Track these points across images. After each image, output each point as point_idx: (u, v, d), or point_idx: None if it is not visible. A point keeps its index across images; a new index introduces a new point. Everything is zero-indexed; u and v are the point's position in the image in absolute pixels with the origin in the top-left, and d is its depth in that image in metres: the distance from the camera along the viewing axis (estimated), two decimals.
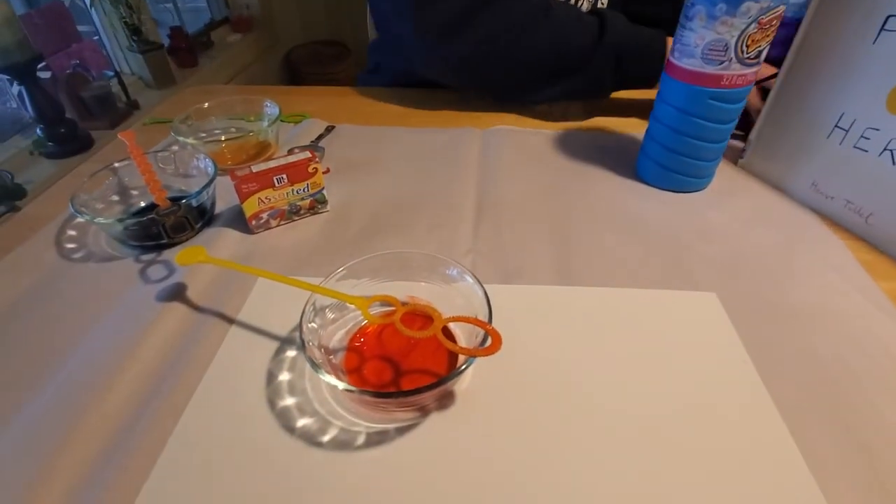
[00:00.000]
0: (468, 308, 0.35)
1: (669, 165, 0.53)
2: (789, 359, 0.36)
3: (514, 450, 0.31)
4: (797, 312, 0.40)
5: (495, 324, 0.31)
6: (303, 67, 2.28)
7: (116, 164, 0.51)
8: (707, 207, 0.52)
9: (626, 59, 0.62)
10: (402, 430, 0.32)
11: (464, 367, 0.30)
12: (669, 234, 0.48)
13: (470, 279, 0.35)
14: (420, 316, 0.35)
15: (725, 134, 0.51)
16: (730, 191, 0.54)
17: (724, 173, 0.57)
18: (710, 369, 0.35)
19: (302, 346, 0.31)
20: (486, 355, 0.30)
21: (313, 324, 0.34)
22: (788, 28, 0.50)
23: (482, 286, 0.34)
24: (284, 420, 0.33)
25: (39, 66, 1.05)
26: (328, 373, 0.30)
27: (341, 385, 0.30)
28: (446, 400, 0.33)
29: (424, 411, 0.33)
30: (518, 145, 0.64)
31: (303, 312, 0.33)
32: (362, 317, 0.34)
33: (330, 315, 0.36)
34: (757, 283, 0.42)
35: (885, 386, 0.34)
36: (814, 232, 0.48)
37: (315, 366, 0.30)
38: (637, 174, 0.57)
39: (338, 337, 0.37)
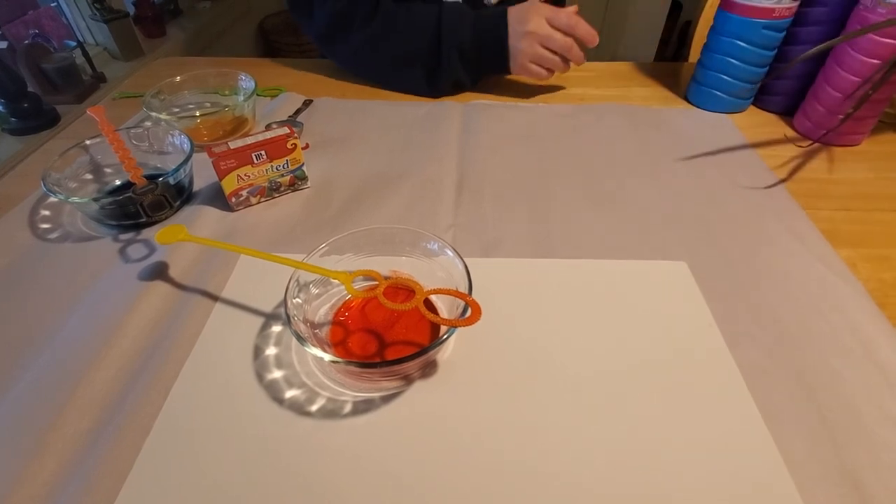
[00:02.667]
0: (449, 281, 0.36)
1: (722, 89, 0.63)
2: (753, 323, 0.38)
3: (494, 415, 0.33)
4: (762, 279, 0.42)
5: (475, 295, 0.33)
6: (277, 37, 2.20)
7: (88, 142, 0.49)
8: (681, 179, 0.53)
9: (471, 57, 0.65)
10: (387, 399, 0.33)
11: (445, 336, 0.31)
12: (644, 205, 0.50)
13: (450, 253, 0.36)
14: (402, 289, 0.35)
15: (769, 59, 0.60)
16: (704, 164, 0.56)
17: (703, 146, 0.58)
18: (678, 335, 0.37)
19: (287, 321, 0.32)
20: (467, 325, 0.31)
21: (298, 299, 0.34)
22: (829, 7, 0.55)
23: (462, 259, 0.35)
24: (273, 392, 0.34)
25: None
26: (314, 346, 0.31)
27: (327, 357, 0.31)
28: (429, 369, 0.35)
29: (408, 380, 0.34)
30: (498, 119, 0.64)
31: (287, 288, 0.34)
32: (346, 291, 0.35)
33: (314, 290, 0.37)
34: (725, 251, 0.44)
35: (838, 345, 0.36)
36: (779, 202, 0.50)
37: (301, 339, 0.31)
38: (689, 101, 0.68)
39: (322, 311, 0.38)
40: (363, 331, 0.37)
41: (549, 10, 0.62)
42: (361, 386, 0.34)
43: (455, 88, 0.69)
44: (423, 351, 0.31)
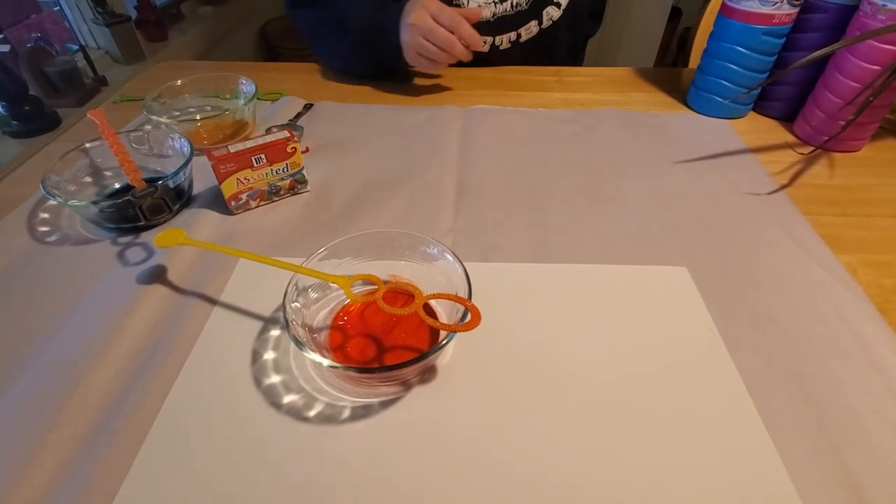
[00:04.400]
0: (449, 285, 0.36)
1: (722, 94, 0.62)
2: (753, 328, 0.38)
3: (493, 420, 0.32)
4: (762, 284, 0.42)
5: (475, 300, 0.32)
6: (278, 42, 2.21)
7: (87, 145, 0.49)
8: (681, 184, 0.53)
9: (369, 46, 0.67)
10: (385, 404, 0.33)
11: (444, 342, 0.31)
12: (644, 210, 0.50)
13: (450, 257, 0.36)
14: (402, 294, 0.35)
15: (769, 65, 0.60)
16: (704, 169, 0.56)
17: (703, 152, 0.58)
18: (679, 340, 0.37)
19: (286, 326, 0.32)
20: (466, 331, 0.31)
21: (296, 303, 0.34)
22: (828, 14, 0.55)
23: (462, 264, 0.35)
24: (271, 397, 0.33)
25: None
26: (312, 350, 0.31)
27: (326, 362, 0.30)
28: (428, 374, 0.35)
29: (407, 385, 0.34)
30: (499, 124, 0.64)
31: (286, 293, 0.33)
32: (345, 296, 0.35)
33: (313, 294, 0.37)
34: (726, 257, 0.44)
35: (838, 350, 0.36)
36: (780, 208, 0.50)
37: (299, 344, 0.31)
38: (689, 106, 0.68)
39: (321, 316, 0.38)
40: (362, 335, 0.36)
41: (437, 4, 0.61)
42: (360, 391, 0.34)
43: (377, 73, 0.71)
44: (422, 356, 0.31)
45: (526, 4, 0.72)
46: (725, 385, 0.34)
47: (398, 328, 0.37)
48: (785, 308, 0.39)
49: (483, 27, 0.68)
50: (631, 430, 0.32)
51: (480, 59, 0.72)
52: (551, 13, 0.74)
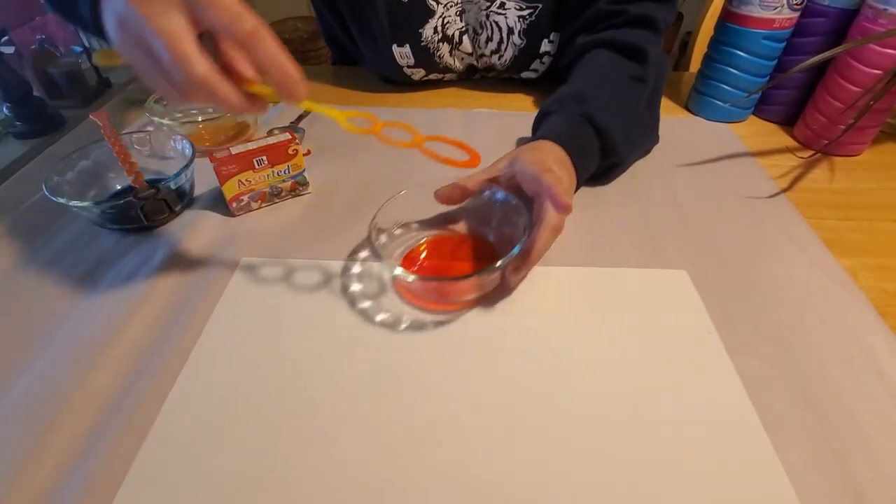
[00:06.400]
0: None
1: (723, 98, 0.63)
2: (754, 332, 0.38)
3: (493, 421, 0.32)
4: (763, 288, 0.41)
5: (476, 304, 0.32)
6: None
7: (90, 146, 0.49)
8: (681, 188, 0.53)
9: None
10: (389, 404, 0.33)
11: (506, 258, 0.35)
12: (645, 213, 0.50)
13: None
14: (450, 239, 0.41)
15: (769, 69, 0.60)
16: (705, 172, 0.56)
17: (703, 155, 0.58)
18: (679, 344, 0.37)
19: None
20: (466, 167, 0.35)
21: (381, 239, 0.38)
22: (829, 18, 0.55)
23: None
24: (272, 399, 0.33)
25: (2, 40, 1.00)
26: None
27: (410, 277, 0.36)
28: (430, 374, 0.35)
29: (467, 304, 0.38)
30: (500, 128, 0.64)
31: (370, 225, 0.38)
32: (413, 241, 0.39)
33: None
34: (726, 260, 0.44)
35: (839, 354, 0.36)
36: (780, 211, 0.50)
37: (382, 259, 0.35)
38: (690, 110, 0.68)
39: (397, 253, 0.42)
40: (430, 267, 0.42)
41: None
42: (430, 307, 0.38)
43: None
44: (488, 268, 0.35)
45: (502, 67, 0.70)
46: (725, 388, 0.34)
47: (461, 262, 0.41)
48: (785, 312, 0.39)
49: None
50: (630, 433, 0.32)
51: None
52: (527, 75, 0.71)
